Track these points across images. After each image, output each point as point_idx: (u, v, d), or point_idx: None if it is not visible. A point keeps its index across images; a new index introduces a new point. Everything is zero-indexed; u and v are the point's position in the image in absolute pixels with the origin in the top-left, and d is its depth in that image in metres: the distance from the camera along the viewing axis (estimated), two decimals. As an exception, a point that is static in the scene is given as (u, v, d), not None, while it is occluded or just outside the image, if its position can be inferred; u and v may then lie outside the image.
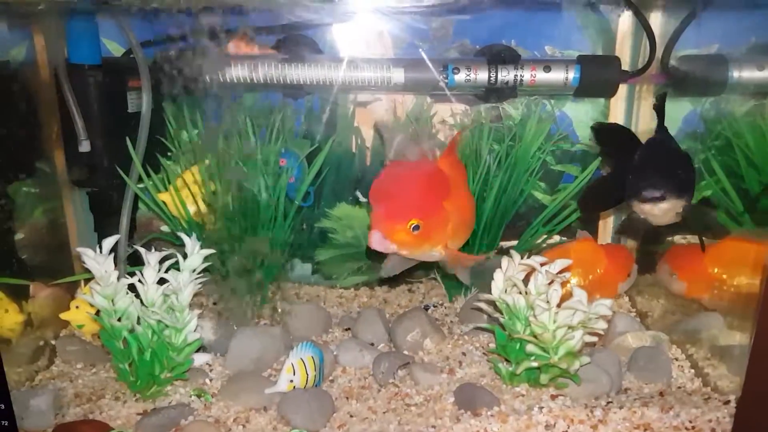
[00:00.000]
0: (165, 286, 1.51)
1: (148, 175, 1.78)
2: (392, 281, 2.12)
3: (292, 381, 1.50)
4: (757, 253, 1.51)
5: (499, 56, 1.82)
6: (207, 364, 1.68)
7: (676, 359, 1.68)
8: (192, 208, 1.81)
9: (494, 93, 1.86)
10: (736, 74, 1.82)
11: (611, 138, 1.79)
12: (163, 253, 1.53)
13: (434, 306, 2.00)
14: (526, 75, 1.80)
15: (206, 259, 1.57)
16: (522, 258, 1.52)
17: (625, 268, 1.79)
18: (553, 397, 1.47)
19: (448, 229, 1.42)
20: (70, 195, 1.92)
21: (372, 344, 1.76)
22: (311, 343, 1.56)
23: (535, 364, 1.48)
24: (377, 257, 1.58)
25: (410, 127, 1.94)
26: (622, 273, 1.79)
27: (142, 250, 1.52)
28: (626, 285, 1.81)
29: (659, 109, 1.66)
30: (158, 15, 1.64)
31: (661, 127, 1.66)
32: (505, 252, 1.63)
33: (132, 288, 1.51)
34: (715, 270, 1.70)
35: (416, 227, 1.33)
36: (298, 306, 1.88)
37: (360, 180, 2.02)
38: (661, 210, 1.56)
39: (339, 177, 2.01)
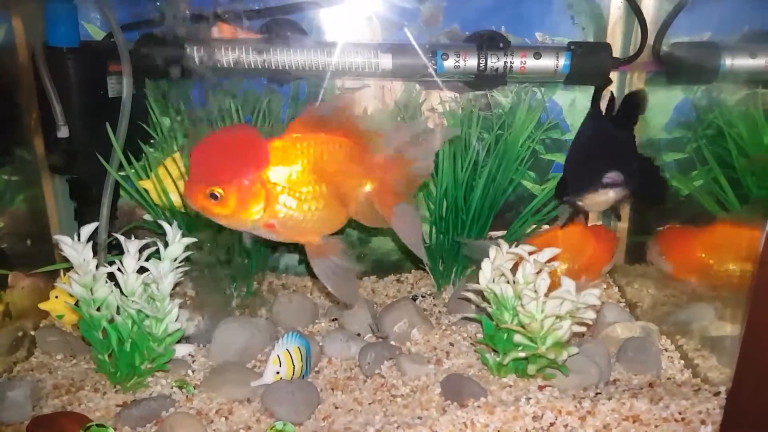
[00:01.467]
0: (145, 275, 1.48)
1: (129, 162, 1.74)
2: (380, 272, 2.10)
3: (278, 373, 1.48)
4: (747, 237, 1.50)
5: (488, 42, 1.79)
6: (189, 355, 1.65)
7: (666, 350, 1.67)
8: (174, 196, 1.77)
9: (483, 80, 1.83)
10: (728, 62, 1.80)
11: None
12: (143, 242, 1.49)
13: (422, 296, 1.98)
14: (516, 62, 1.77)
15: (188, 248, 1.54)
16: (510, 247, 1.50)
17: (611, 250, 1.79)
18: (541, 388, 1.45)
19: (272, 207, 1.32)
20: (51, 182, 1.88)
21: (359, 335, 1.73)
22: (298, 333, 1.53)
23: (522, 355, 1.46)
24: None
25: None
26: (607, 255, 1.78)
27: (121, 239, 1.49)
28: (609, 266, 1.81)
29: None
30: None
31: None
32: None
33: (112, 277, 1.48)
34: (704, 253, 1.70)
35: (214, 195, 1.28)
36: (285, 296, 1.85)
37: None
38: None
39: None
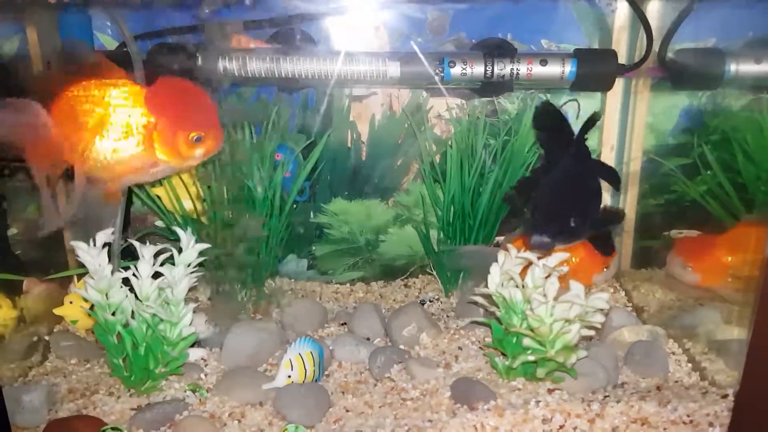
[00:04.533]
0: (160, 280, 1.50)
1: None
2: (388, 276, 2.12)
3: (290, 377, 1.49)
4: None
5: (495, 50, 1.81)
6: (202, 359, 1.67)
7: (673, 353, 1.68)
8: (187, 202, 1.79)
9: (490, 87, 1.85)
10: (733, 68, 1.81)
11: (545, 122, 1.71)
12: (158, 247, 1.51)
13: (430, 300, 2.00)
14: (522, 69, 1.79)
15: (201, 254, 1.56)
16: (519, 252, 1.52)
17: (602, 261, 1.78)
18: (550, 391, 1.47)
19: None
20: (64, 189, 1.90)
21: (368, 339, 1.75)
22: (311, 338, 1.55)
23: (531, 358, 1.47)
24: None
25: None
26: (598, 264, 1.77)
27: (136, 244, 1.51)
28: (603, 277, 1.80)
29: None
30: (151, 8, 1.63)
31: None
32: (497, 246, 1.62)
33: (127, 282, 1.50)
34: (728, 258, 1.69)
35: None
36: (294, 301, 1.87)
37: (356, 174, 2.01)
38: None
39: (334, 172, 2.00)
